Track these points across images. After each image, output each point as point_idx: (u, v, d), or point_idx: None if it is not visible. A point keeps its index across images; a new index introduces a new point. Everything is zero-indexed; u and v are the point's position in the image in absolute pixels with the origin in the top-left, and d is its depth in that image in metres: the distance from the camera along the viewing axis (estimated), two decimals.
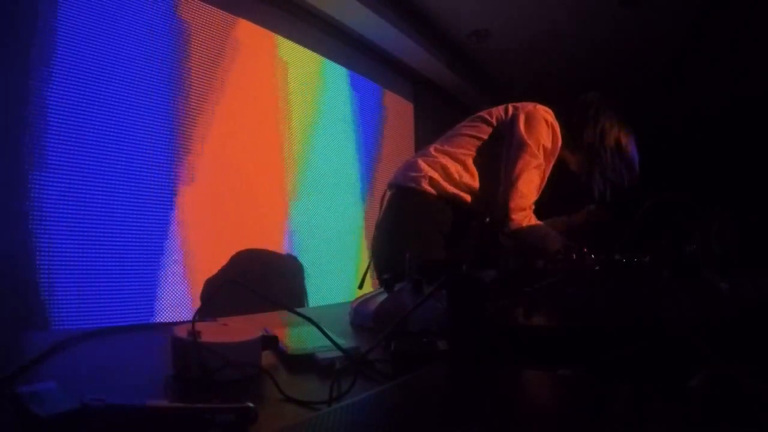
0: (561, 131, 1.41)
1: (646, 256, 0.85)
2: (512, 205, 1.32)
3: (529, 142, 1.33)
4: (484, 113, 1.44)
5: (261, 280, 1.93)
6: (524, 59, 3.16)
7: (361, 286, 1.30)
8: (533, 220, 1.35)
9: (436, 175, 1.35)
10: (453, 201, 1.37)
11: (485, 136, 1.40)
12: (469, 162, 1.38)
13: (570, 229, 1.46)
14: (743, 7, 2.44)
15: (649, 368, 0.47)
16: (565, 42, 2.90)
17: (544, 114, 1.37)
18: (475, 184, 1.38)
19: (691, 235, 0.90)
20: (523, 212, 1.33)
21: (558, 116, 1.41)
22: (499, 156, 1.38)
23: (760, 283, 0.66)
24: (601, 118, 1.39)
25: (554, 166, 1.44)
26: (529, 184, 1.34)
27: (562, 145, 1.41)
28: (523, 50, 3.05)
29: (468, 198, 1.38)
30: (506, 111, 1.41)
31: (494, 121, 1.41)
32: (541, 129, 1.35)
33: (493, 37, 2.90)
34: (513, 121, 1.37)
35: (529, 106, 1.39)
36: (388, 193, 1.45)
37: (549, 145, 1.37)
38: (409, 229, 1.35)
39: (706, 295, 0.64)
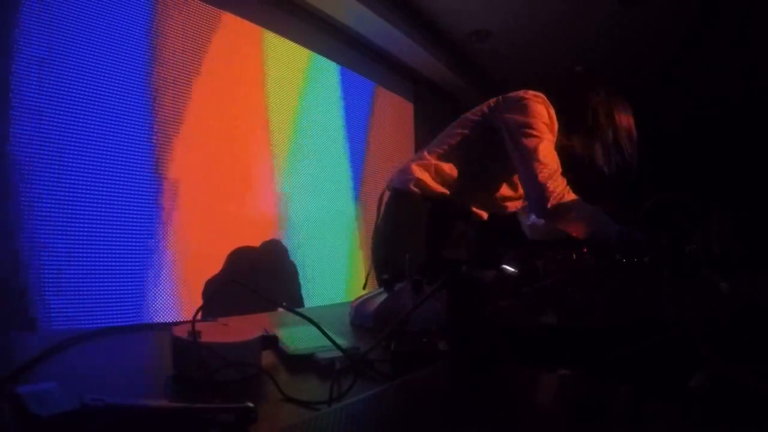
0: (555, 115, 1.34)
1: (646, 256, 0.85)
2: (541, 177, 1.21)
3: (529, 120, 1.25)
4: (474, 110, 1.40)
5: (259, 279, 1.93)
6: (524, 59, 3.16)
7: (365, 287, 1.31)
8: (572, 193, 1.23)
9: (424, 177, 1.33)
10: (441, 200, 1.35)
11: (471, 132, 1.35)
12: (457, 160, 1.35)
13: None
14: (743, 7, 2.44)
15: (649, 368, 0.47)
16: (565, 42, 2.90)
17: (533, 95, 1.31)
18: (463, 181, 1.35)
19: (691, 235, 0.90)
20: (558, 181, 1.22)
21: (550, 101, 1.35)
22: (486, 151, 1.34)
23: (760, 283, 0.66)
24: (602, 93, 1.33)
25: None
26: (548, 154, 1.24)
27: (558, 132, 1.34)
28: (523, 50, 3.04)
29: (457, 197, 1.36)
30: (496, 102, 1.35)
31: (480, 115, 1.36)
32: (537, 107, 1.28)
33: (493, 37, 2.90)
34: (504, 109, 1.31)
35: (518, 92, 1.32)
36: (386, 195, 1.44)
37: (548, 121, 1.30)
38: (400, 230, 1.34)
39: (706, 295, 0.64)
